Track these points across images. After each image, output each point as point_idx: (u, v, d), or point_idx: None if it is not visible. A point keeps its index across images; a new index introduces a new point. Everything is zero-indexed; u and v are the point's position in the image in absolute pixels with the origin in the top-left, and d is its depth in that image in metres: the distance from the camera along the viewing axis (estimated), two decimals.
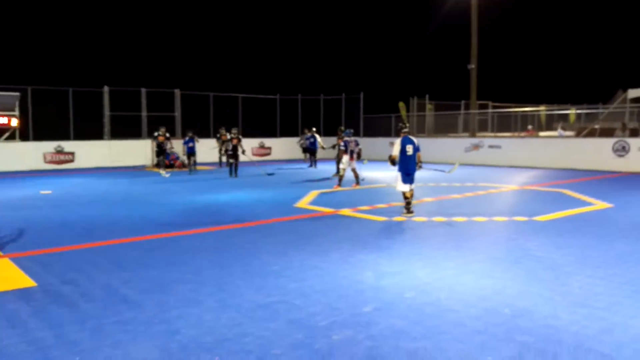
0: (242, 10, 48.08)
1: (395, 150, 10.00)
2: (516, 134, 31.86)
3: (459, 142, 25.47)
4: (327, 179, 17.45)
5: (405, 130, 10.18)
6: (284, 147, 29.81)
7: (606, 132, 23.51)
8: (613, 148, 19.88)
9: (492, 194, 13.59)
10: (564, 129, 28.87)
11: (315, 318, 4.83)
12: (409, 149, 9.93)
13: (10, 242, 8.10)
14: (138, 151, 24.88)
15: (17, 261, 6.89)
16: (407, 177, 9.95)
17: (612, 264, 6.60)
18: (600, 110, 27.08)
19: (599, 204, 11.40)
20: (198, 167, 21.35)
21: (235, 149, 18.49)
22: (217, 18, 46.90)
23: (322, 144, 22.83)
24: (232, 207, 11.72)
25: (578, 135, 24.18)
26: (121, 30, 40.61)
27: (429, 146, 21.63)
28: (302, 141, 24.77)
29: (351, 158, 14.81)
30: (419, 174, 10.55)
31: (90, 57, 37.88)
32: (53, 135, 23.59)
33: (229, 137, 19.37)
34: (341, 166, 14.98)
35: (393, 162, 10.22)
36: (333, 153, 18.48)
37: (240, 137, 18.71)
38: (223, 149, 21.18)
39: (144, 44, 40.39)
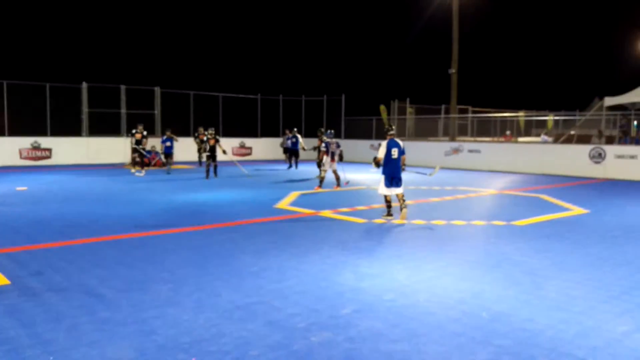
0: (224, 10, 47.91)
1: (381, 153, 9.95)
2: (495, 139, 32.24)
3: (439, 146, 25.65)
4: (308, 179, 17.44)
5: (392, 132, 10.14)
6: (265, 147, 29.75)
7: (583, 139, 23.93)
8: (590, 155, 20.19)
9: (471, 198, 13.70)
10: (547, 135, 29.30)
11: (294, 319, 4.81)
12: (394, 152, 9.91)
13: None
14: (117, 149, 24.60)
15: None
16: (392, 180, 9.90)
17: (589, 269, 6.69)
18: (577, 117, 27.55)
19: (576, 210, 11.57)
20: (178, 167, 21.11)
21: (213, 149, 17.93)
22: (199, 16, 46.65)
23: (303, 144, 22.66)
24: (212, 206, 11.64)
25: (556, 141, 24.53)
26: (101, 25, 40.17)
27: (410, 149, 21.43)
28: (283, 142, 24.69)
29: (332, 160, 14.82)
30: None
31: (69, 53, 37.38)
32: (29, 131, 23.19)
33: (206, 137, 18.76)
34: (322, 168, 14.98)
35: (378, 165, 10.14)
36: (315, 154, 18.42)
37: (217, 137, 18.06)
38: (202, 148, 20.95)
39: (124, 41, 40.00)
